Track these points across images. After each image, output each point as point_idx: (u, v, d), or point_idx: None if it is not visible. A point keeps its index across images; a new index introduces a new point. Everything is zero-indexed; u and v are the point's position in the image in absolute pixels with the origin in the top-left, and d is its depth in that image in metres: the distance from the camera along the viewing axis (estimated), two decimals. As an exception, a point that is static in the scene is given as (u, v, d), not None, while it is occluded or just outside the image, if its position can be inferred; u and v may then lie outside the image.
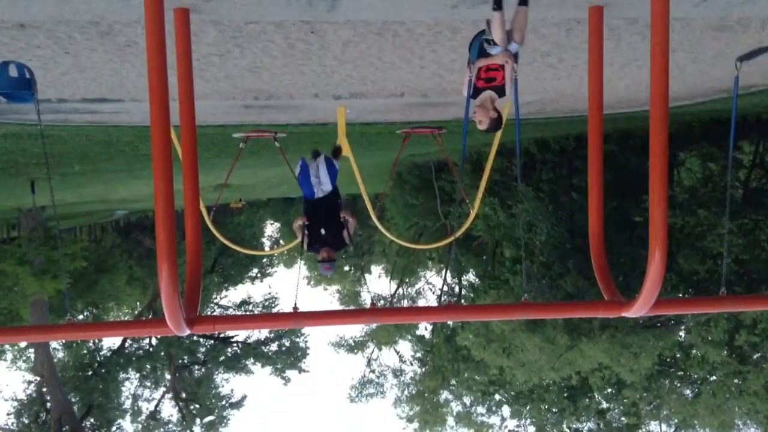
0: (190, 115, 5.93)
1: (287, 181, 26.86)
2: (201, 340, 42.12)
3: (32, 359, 36.13)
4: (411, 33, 7.47)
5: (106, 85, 9.74)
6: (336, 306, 53.24)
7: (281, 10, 6.21)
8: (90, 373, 38.30)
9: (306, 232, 7.26)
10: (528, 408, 28.90)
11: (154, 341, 40.67)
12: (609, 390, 25.49)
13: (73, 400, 36.18)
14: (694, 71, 10.68)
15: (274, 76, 9.49)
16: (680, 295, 20.34)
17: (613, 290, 5.99)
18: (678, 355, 23.47)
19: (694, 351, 22.55)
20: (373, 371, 45.06)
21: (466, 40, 6.21)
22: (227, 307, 48.58)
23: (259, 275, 53.97)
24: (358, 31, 7.29)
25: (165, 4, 4.68)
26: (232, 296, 50.43)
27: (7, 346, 37.26)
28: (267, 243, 65.33)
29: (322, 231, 7.23)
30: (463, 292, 38.81)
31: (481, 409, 34.43)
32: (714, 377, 22.29)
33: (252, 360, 44.21)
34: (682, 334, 22.80)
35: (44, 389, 34.70)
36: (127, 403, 40.01)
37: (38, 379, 34.69)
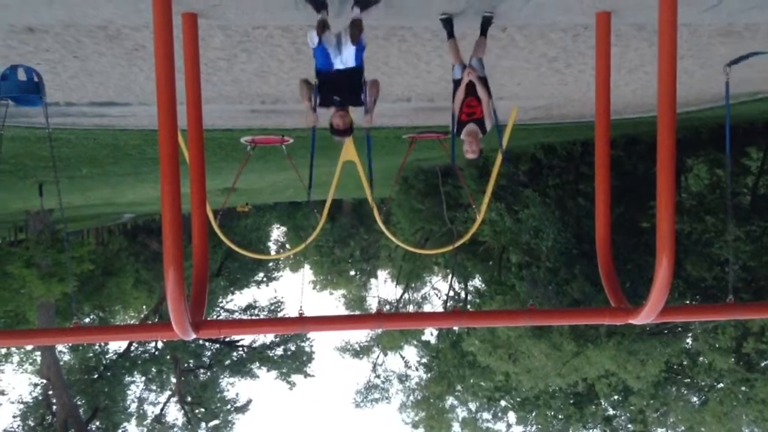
0: (197, 119, 5.96)
1: (294, 185, 26.91)
2: (207, 343, 42.13)
3: (38, 362, 36.21)
4: (418, 38, 7.48)
5: (114, 89, 9.78)
6: (341, 311, 53.24)
7: (288, 15, 6.23)
8: (96, 376, 38.34)
9: (316, 94, 5.77)
10: (534, 414, 28.78)
11: (159, 345, 40.70)
12: (615, 397, 25.38)
13: (78, 403, 36.22)
14: (701, 77, 10.65)
15: (281, 80, 9.51)
16: (687, 301, 20.25)
17: (620, 297, 5.98)
18: (685, 362, 23.35)
19: (701, 358, 22.42)
20: (378, 376, 45.03)
21: (472, 45, 6.23)
22: (233, 311, 48.59)
23: (265, 279, 53.97)
24: (365, 36, 7.29)
25: (173, 8, 4.70)
26: (238, 300, 50.50)
27: (13, 349, 37.35)
28: (273, 247, 65.38)
29: (336, 97, 5.74)
30: (469, 297, 38.74)
31: (486, 415, 34.33)
32: (721, 384, 22.16)
33: (257, 364, 44.19)
34: (689, 341, 22.69)
35: (50, 392, 34.76)
36: (133, 407, 40.01)
37: (44, 381, 34.75)
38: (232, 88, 10.01)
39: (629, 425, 26.05)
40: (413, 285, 48.03)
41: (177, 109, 4.82)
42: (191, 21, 5.75)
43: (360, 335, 47.31)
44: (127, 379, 39.77)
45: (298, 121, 14.83)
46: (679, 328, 21.50)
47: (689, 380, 23.59)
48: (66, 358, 38.71)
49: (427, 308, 47.90)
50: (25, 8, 5.62)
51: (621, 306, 5.95)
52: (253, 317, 46.28)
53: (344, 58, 5.71)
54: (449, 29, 6.23)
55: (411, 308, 47.21)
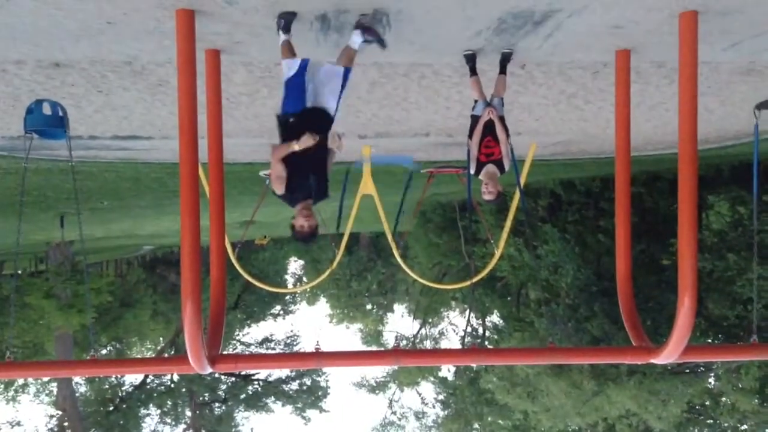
0: (218, 153, 6.01)
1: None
2: (222, 377, 41.99)
3: (55, 393, 36.24)
4: (437, 75, 7.54)
5: (137, 123, 9.92)
6: (358, 345, 52.89)
7: (309, 52, 6.30)
8: (111, 408, 38.28)
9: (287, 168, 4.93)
10: (553, 454, 28.24)
11: (175, 377, 40.61)
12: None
13: (93, 435, 36.16)
14: (722, 115, 10.61)
15: (302, 115, 9.58)
16: (709, 340, 19.92)
17: (642, 335, 5.88)
18: (707, 403, 22.87)
19: (724, 398, 21.96)
20: (394, 413, 44.50)
21: (491, 81, 6.26)
22: (249, 344, 48.47)
23: (281, 312, 53.89)
24: (385, 73, 7.37)
25: (197, 45, 4.78)
26: (254, 333, 50.40)
27: (30, 380, 37.46)
28: (290, 280, 65.36)
29: (309, 171, 4.95)
30: (487, 333, 38.36)
31: (504, 455, 33.69)
32: (745, 426, 21.67)
33: (273, 398, 43.91)
34: (711, 380, 22.26)
35: (65, 423, 34.70)
36: (148, 440, 39.88)
37: (60, 413, 34.73)
38: (253, 123, 10.11)
39: (651, 467, 25.48)
40: (430, 320, 47.71)
41: (198, 143, 4.87)
42: (214, 57, 5.84)
43: (376, 371, 46.97)
44: (143, 411, 39.66)
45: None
46: (702, 368, 21.11)
47: (712, 421, 23.08)
48: (82, 389, 38.74)
49: (444, 344, 47.49)
50: (52, 45, 5.74)
51: (642, 345, 5.85)
52: (269, 351, 46.13)
53: (323, 90, 5.10)
54: (472, 65, 6.32)
55: (428, 344, 46.82)
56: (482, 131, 6.05)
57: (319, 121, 5.05)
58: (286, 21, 5.19)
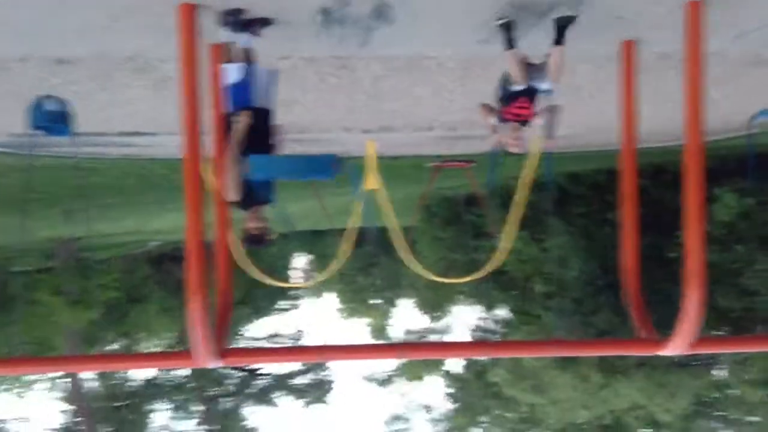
0: (222, 148, 6.00)
1: (317, 213, 27.01)
2: (231, 371, 42.17)
3: (64, 389, 36.41)
4: (441, 67, 7.51)
5: (141, 119, 9.93)
6: (365, 339, 52.93)
7: (313, 46, 6.29)
8: (121, 403, 38.45)
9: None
10: (560, 447, 28.22)
11: (185, 372, 40.76)
12: (644, 430, 24.84)
13: (103, 430, 36.30)
14: (729, 106, 10.55)
15: (305, 110, 9.59)
16: (717, 332, 19.86)
17: (649, 327, 5.86)
18: (715, 395, 22.83)
19: (731, 391, 21.92)
20: (403, 406, 44.61)
21: (495, 74, 6.23)
22: (257, 339, 48.57)
23: (289, 307, 53.98)
24: (389, 66, 7.35)
25: (200, 40, 4.78)
26: (262, 328, 50.47)
27: (40, 375, 37.63)
28: (298, 275, 65.37)
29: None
30: (494, 327, 38.35)
31: (512, 448, 33.68)
32: (752, 418, 21.62)
33: (281, 393, 44.05)
34: (719, 372, 22.21)
35: (75, 419, 34.89)
36: (157, 435, 40.06)
37: (70, 408, 34.90)
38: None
39: (659, 460, 25.44)
40: (436, 314, 47.70)
41: (203, 139, 4.88)
42: (218, 52, 5.84)
43: (384, 365, 47.02)
44: (152, 406, 39.85)
45: (321, 150, 14.89)
46: (709, 360, 21.08)
47: (719, 414, 23.05)
48: (92, 384, 38.91)
49: (450, 337, 47.49)
50: (56, 41, 5.74)
51: (650, 337, 5.83)
52: (277, 345, 46.23)
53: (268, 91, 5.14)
54: (508, 36, 5.29)
55: (434, 337, 46.84)
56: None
57: (264, 122, 5.09)
58: (235, 19, 5.07)
